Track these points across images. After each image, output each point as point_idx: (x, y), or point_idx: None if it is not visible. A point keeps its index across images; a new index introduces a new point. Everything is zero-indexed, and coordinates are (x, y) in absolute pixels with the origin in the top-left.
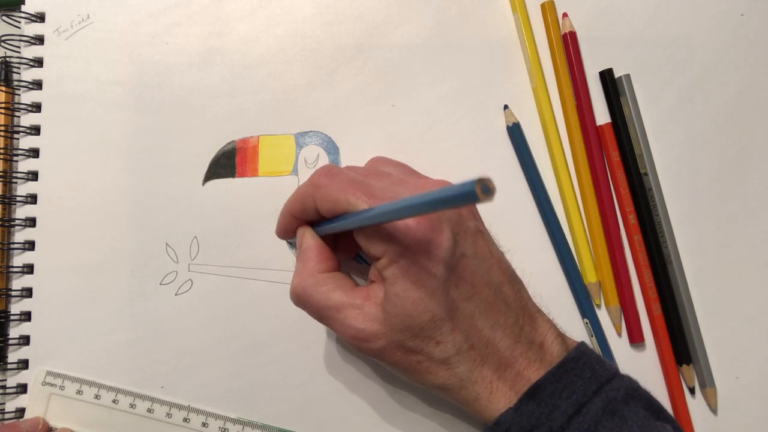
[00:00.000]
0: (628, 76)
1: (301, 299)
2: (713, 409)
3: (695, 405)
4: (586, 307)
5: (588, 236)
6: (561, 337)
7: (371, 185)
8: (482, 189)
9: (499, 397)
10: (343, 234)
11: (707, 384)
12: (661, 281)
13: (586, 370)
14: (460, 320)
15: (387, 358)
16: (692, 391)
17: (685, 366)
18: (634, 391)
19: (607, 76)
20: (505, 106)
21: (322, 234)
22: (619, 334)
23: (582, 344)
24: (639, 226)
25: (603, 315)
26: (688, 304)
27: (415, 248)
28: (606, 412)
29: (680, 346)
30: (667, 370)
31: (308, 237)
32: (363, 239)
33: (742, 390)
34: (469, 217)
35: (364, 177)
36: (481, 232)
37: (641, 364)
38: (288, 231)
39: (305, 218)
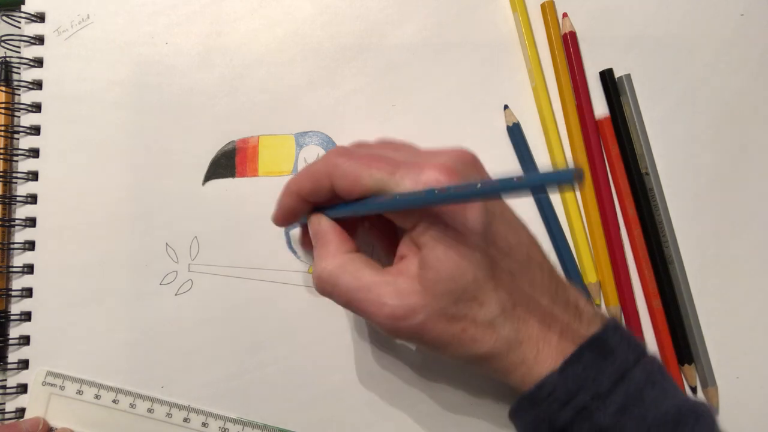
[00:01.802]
0: (628, 76)
1: (328, 284)
2: (714, 409)
3: None
4: None
5: (588, 236)
6: (591, 302)
7: (392, 156)
8: (577, 175)
9: (545, 358)
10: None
11: (709, 383)
12: (663, 281)
13: (623, 341)
14: (502, 277)
15: (428, 333)
16: (694, 390)
17: (686, 365)
18: (664, 369)
19: (607, 76)
20: (505, 106)
21: (334, 218)
22: None
23: (612, 318)
24: (640, 226)
25: None
26: (689, 304)
27: (450, 210)
28: (647, 382)
29: (681, 345)
30: (668, 369)
31: (324, 221)
32: (393, 212)
33: (742, 390)
34: None
35: (381, 150)
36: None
37: None
38: (292, 214)
39: (312, 200)
